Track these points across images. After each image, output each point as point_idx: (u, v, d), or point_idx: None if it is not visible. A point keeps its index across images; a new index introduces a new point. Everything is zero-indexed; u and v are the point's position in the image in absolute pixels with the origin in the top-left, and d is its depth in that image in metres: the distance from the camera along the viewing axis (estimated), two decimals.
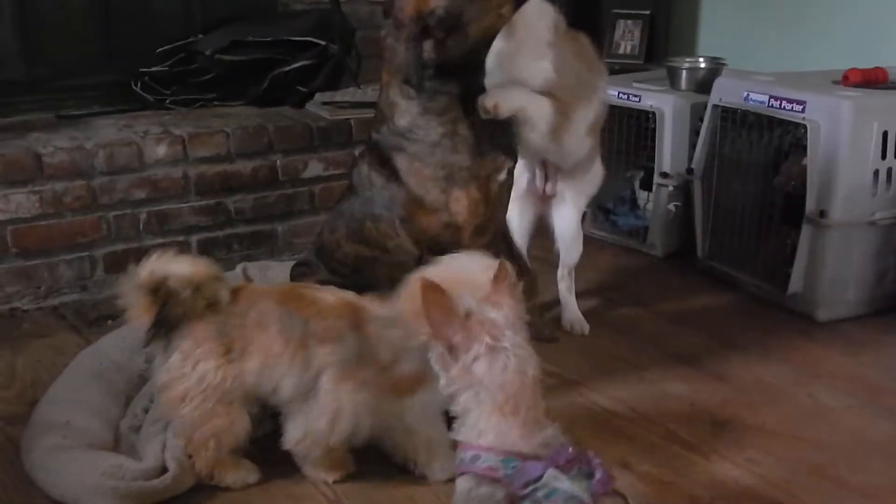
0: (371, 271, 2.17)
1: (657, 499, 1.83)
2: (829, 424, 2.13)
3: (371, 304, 1.78)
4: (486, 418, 1.39)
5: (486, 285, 1.45)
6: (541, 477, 1.31)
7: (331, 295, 1.80)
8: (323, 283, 2.09)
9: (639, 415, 2.16)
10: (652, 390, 2.28)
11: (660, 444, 2.03)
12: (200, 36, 3.29)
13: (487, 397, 1.38)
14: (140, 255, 2.76)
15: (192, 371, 1.74)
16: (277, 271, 2.76)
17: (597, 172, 2.53)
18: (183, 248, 2.88)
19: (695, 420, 2.13)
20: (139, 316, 1.76)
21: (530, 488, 1.31)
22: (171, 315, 1.74)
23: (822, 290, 2.64)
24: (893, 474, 1.92)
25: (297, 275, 2.27)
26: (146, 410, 2.10)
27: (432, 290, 1.40)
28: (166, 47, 3.26)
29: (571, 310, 2.62)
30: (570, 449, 1.36)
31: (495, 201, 2.10)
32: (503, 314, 1.40)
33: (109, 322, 2.64)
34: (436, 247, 2.04)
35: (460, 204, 2.01)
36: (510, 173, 2.13)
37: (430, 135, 2.01)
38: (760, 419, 2.14)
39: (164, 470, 1.80)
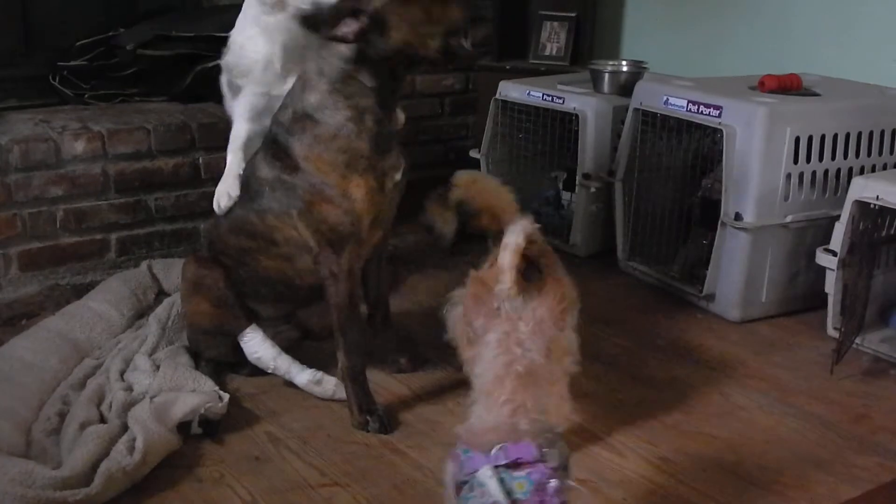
0: (255, 262, 2.21)
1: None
2: (741, 423, 2.19)
3: None
4: (475, 403, 1.48)
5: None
6: (477, 470, 1.40)
7: None
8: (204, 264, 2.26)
9: None
10: (570, 390, 2.30)
11: (576, 443, 2.05)
12: (122, 30, 3.23)
13: (478, 382, 1.49)
14: (56, 253, 2.78)
15: None
16: (172, 270, 2.74)
17: None
18: (102, 247, 2.84)
19: (610, 419, 2.17)
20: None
21: (469, 477, 1.41)
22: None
23: (737, 291, 2.70)
24: (801, 471, 1.98)
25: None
26: (60, 414, 2.07)
27: (477, 281, 1.60)
28: (86, 41, 3.19)
29: None
30: (532, 453, 1.40)
31: (390, 198, 2.14)
32: (530, 317, 1.49)
33: (24, 321, 2.59)
34: (335, 238, 2.07)
35: (360, 191, 2.04)
36: (404, 174, 2.16)
37: (336, 117, 2.03)
38: (674, 418, 2.19)
39: (85, 479, 1.77)
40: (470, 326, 1.55)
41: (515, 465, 1.40)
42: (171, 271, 2.73)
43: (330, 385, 2.21)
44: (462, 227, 2.00)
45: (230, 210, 2.24)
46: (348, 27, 1.93)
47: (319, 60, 2.03)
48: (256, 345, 2.25)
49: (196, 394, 2.08)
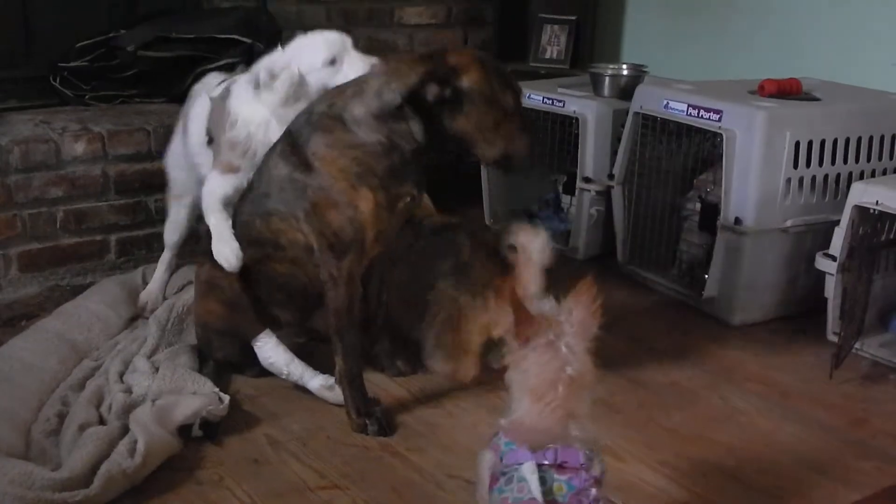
0: (269, 269, 2.20)
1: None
2: (741, 427, 2.19)
3: None
4: (518, 401, 1.48)
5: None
6: (521, 464, 1.43)
7: None
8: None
9: None
10: None
11: None
12: (122, 31, 3.23)
13: (525, 382, 1.47)
14: (56, 254, 2.78)
15: None
16: (178, 276, 2.76)
17: None
18: (102, 248, 2.84)
19: (609, 423, 2.17)
20: None
21: (510, 469, 1.44)
22: None
23: (737, 294, 2.71)
24: (799, 475, 1.99)
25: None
26: (60, 415, 2.06)
27: (507, 292, 1.60)
28: (87, 42, 3.18)
29: None
30: (580, 459, 1.43)
31: (397, 218, 2.13)
32: (571, 319, 1.50)
33: (24, 322, 2.59)
34: (338, 243, 2.06)
35: (367, 204, 2.03)
36: (413, 200, 2.14)
37: (369, 135, 2.02)
38: (674, 422, 2.19)
39: (84, 481, 1.76)
40: (509, 333, 1.53)
41: (560, 467, 1.42)
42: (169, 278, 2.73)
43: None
44: None
45: (236, 218, 2.23)
46: (432, 89, 1.93)
47: (385, 86, 2.00)
48: (270, 350, 2.24)
49: (197, 396, 2.07)
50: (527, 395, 1.47)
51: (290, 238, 2.12)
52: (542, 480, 1.41)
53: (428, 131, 2.00)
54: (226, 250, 2.19)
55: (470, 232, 2.39)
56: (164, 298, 2.68)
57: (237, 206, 2.25)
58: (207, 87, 2.50)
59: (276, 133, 2.21)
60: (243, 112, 2.27)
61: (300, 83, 2.22)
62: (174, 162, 2.62)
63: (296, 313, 2.30)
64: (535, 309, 1.51)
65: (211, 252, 2.23)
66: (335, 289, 2.10)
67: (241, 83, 2.33)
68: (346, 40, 2.26)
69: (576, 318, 1.50)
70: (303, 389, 2.24)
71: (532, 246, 1.89)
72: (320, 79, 2.22)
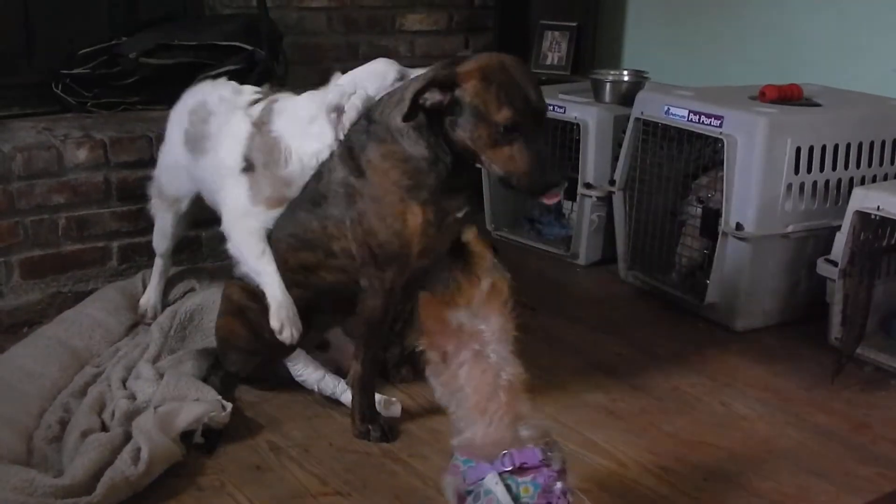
0: (318, 279, 2.17)
1: None
2: (742, 432, 2.19)
3: None
4: (464, 419, 1.48)
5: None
6: (484, 478, 1.44)
7: None
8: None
9: (557, 423, 2.18)
10: (571, 398, 2.31)
11: (577, 453, 2.06)
12: (124, 38, 3.23)
13: (465, 399, 1.47)
14: (58, 261, 2.78)
15: None
16: (181, 284, 2.77)
17: None
18: (104, 255, 2.84)
19: (611, 428, 2.17)
20: None
21: (475, 485, 1.45)
22: None
23: (738, 300, 2.71)
24: (800, 481, 1.99)
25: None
26: (61, 422, 2.07)
27: (432, 303, 1.52)
28: (89, 49, 3.19)
29: None
30: (538, 457, 1.44)
31: (445, 234, 2.06)
32: (491, 326, 1.49)
33: (25, 329, 2.59)
34: (382, 255, 2.03)
35: (415, 219, 1.99)
36: (466, 216, 2.08)
37: (415, 147, 1.98)
38: (675, 427, 2.19)
39: (86, 488, 1.76)
40: (439, 352, 1.50)
41: (520, 470, 1.43)
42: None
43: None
44: None
45: (291, 220, 2.17)
46: (431, 96, 1.89)
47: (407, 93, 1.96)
48: (301, 367, 2.24)
49: (200, 403, 2.07)
50: (470, 412, 1.47)
51: (343, 245, 2.08)
52: (508, 488, 1.42)
53: (439, 142, 1.95)
54: (285, 316, 2.12)
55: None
56: (165, 304, 2.68)
57: (290, 205, 2.19)
58: (234, 104, 2.36)
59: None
60: (299, 148, 2.17)
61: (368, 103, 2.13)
62: (169, 168, 2.55)
63: (336, 317, 2.26)
64: (454, 321, 1.49)
65: (245, 277, 2.21)
66: (374, 298, 2.08)
67: (292, 113, 2.22)
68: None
69: (495, 325, 1.49)
70: (305, 395, 2.24)
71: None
72: None
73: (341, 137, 2.11)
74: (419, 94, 1.88)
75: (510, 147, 1.87)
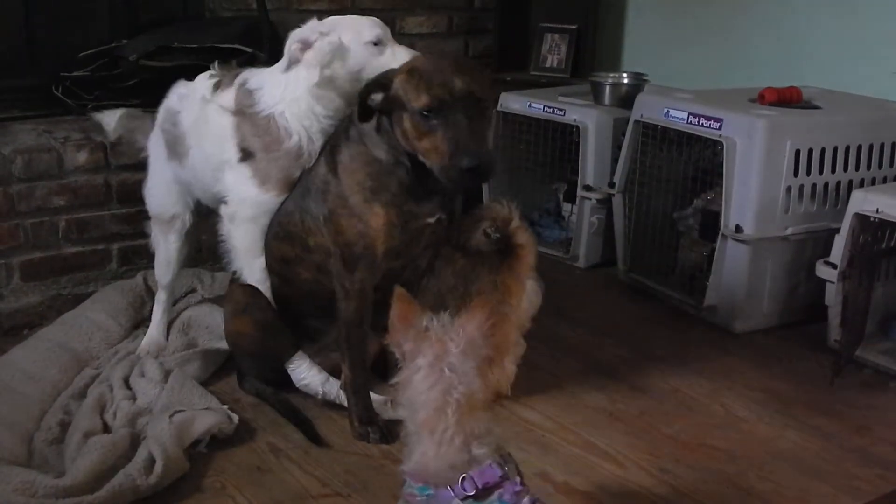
0: (295, 275, 2.19)
1: None
2: (741, 434, 2.19)
3: None
4: (413, 438, 1.40)
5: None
6: None
7: None
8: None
9: (558, 425, 2.19)
10: (571, 401, 2.32)
11: (577, 455, 2.06)
12: (125, 41, 3.24)
13: (415, 413, 1.39)
14: (58, 263, 2.78)
15: None
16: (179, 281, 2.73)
17: None
18: (104, 257, 2.84)
19: (610, 430, 2.18)
20: None
21: None
22: None
23: (737, 302, 2.71)
24: (800, 482, 1.99)
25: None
26: (62, 424, 2.07)
27: (403, 299, 1.44)
28: (89, 51, 3.20)
29: None
30: (498, 474, 1.36)
31: (415, 236, 2.08)
32: (459, 337, 1.40)
33: (26, 331, 2.60)
34: (348, 255, 2.06)
35: (378, 220, 2.02)
36: (440, 222, 2.10)
37: (376, 149, 2.02)
38: (675, 429, 2.19)
39: (87, 489, 1.76)
40: (398, 349, 1.42)
41: (484, 491, 1.35)
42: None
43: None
44: None
45: (282, 208, 2.17)
46: (376, 96, 1.95)
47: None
48: (304, 371, 2.22)
49: (211, 412, 2.06)
50: (419, 428, 1.38)
51: (317, 241, 2.11)
52: None
53: (398, 144, 1.98)
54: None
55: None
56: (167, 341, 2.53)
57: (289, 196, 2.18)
58: (195, 93, 2.32)
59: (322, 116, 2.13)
60: (296, 118, 2.12)
61: (340, 54, 2.08)
62: (158, 186, 2.45)
63: (326, 322, 2.24)
64: (428, 324, 1.41)
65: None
66: (346, 301, 2.10)
67: (267, 79, 2.16)
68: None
69: (464, 337, 1.39)
70: (304, 397, 2.24)
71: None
72: (362, 56, 2.09)
73: (305, 73, 2.09)
74: (364, 95, 1.96)
75: (434, 136, 1.89)
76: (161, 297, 2.56)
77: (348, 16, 2.18)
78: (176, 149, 2.34)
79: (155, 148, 2.46)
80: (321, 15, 2.20)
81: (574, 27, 3.88)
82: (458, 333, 1.40)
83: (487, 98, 1.98)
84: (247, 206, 2.19)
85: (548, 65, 3.91)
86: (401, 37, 3.78)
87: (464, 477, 1.35)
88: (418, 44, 3.81)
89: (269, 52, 3.25)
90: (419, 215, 2.06)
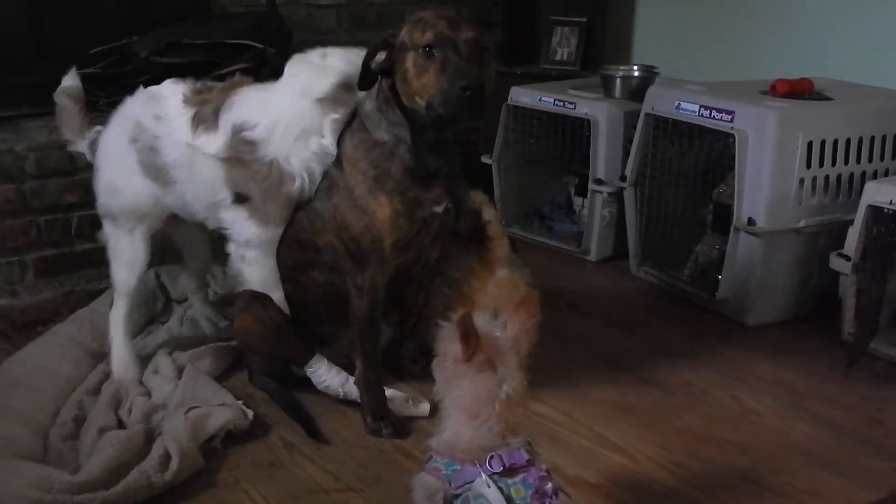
0: (308, 278, 2.18)
1: (585, 502, 1.86)
2: (754, 427, 2.19)
3: None
4: (451, 419, 1.47)
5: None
6: (473, 481, 1.41)
7: None
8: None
9: (569, 418, 2.19)
10: (582, 394, 2.32)
11: (589, 448, 2.06)
12: (135, 37, 3.25)
13: (459, 399, 1.46)
14: (71, 259, 2.79)
15: None
16: (184, 280, 2.74)
17: None
18: None
19: (622, 423, 2.18)
20: None
21: (463, 489, 1.42)
22: None
23: (750, 295, 2.70)
24: (813, 475, 1.98)
25: None
26: (76, 419, 2.08)
27: (465, 319, 1.46)
28: (100, 48, 3.20)
29: None
30: (525, 458, 1.44)
31: (422, 226, 2.07)
32: (508, 336, 1.48)
33: (40, 328, 2.61)
34: (357, 251, 2.05)
35: (383, 210, 2.01)
36: (448, 212, 2.10)
37: (378, 132, 2.03)
38: (687, 422, 2.19)
39: (102, 484, 1.77)
40: (451, 352, 1.48)
41: (509, 471, 1.42)
42: (178, 278, 2.73)
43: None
44: None
45: (296, 217, 2.15)
46: (379, 56, 1.97)
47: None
48: (323, 373, 2.21)
49: (226, 409, 2.07)
50: (460, 413, 1.45)
51: (326, 240, 2.11)
52: (499, 490, 1.40)
53: (397, 115, 1.99)
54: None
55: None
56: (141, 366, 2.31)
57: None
58: (174, 123, 2.14)
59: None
60: (300, 164, 2.07)
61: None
62: (132, 191, 2.21)
63: (340, 327, 2.24)
64: (482, 328, 1.47)
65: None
66: (358, 298, 2.10)
67: (274, 125, 2.07)
68: None
69: (510, 334, 1.48)
70: (317, 392, 2.24)
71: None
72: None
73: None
74: (368, 58, 1.97)
75: (434, 67, 1.90)
76: (120, 313, 2.27)
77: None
78: (157, 174, 2.18)
79: (121, 158, 2.22)
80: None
81: (584, 20, 3.87)
82: (504, 330, 1.48)
83: (489, 46, 1.99)
84: (252, 246, 2.14)
85: (557, 58, 3.90)
86: None
87: (492, 455, 1.42)
88: None
89: (278, 47, 3.26)
90: (425, 203, 2.05)
